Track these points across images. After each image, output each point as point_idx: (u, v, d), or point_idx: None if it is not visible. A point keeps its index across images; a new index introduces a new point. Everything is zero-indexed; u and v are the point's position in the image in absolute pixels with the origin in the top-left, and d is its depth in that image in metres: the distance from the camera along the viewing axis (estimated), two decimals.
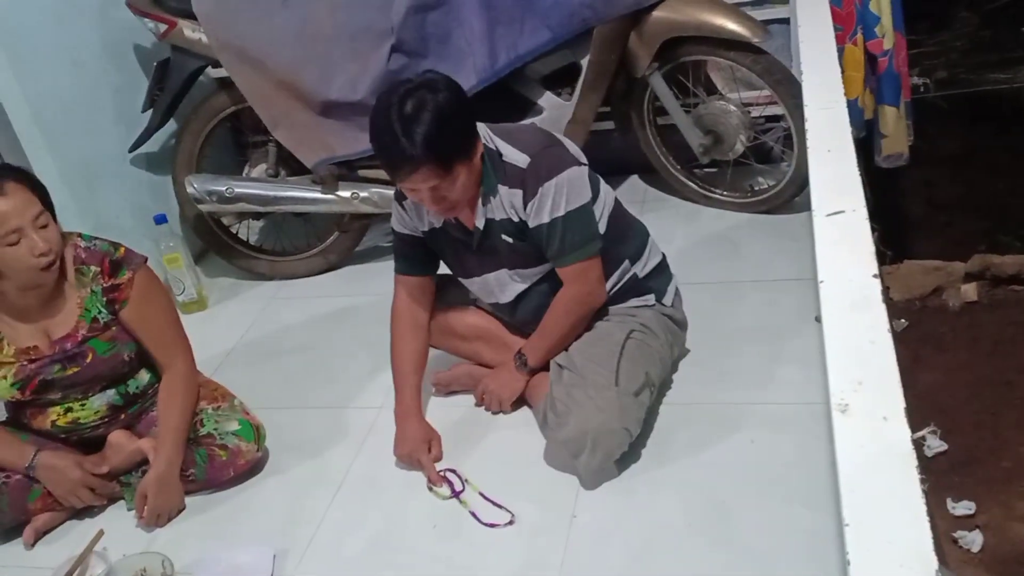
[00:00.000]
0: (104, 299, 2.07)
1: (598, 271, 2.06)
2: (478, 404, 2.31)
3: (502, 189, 1.98)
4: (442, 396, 2.40)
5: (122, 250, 2.11)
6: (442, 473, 2.11)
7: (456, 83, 1.89)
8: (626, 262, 2.15)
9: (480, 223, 2.02)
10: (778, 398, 2.15)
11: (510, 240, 2.04)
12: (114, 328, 2.08)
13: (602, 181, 2.13)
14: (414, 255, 2.19)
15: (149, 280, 2.13)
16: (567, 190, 1.94)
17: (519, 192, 1.97)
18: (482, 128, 1.98)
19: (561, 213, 1.95)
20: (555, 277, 2.08)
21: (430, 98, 1.80)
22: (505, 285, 2.14)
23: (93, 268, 2.06)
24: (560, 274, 2.05)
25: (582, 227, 1.98)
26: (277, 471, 2.27)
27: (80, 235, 2.11)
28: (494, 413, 2.28)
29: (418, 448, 2.13)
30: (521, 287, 2.13)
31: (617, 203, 2.16)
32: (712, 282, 2.64)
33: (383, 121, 1.82)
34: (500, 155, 1.97)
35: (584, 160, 2.04)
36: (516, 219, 2.00)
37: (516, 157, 1.97)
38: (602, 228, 2.07)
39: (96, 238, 2.11)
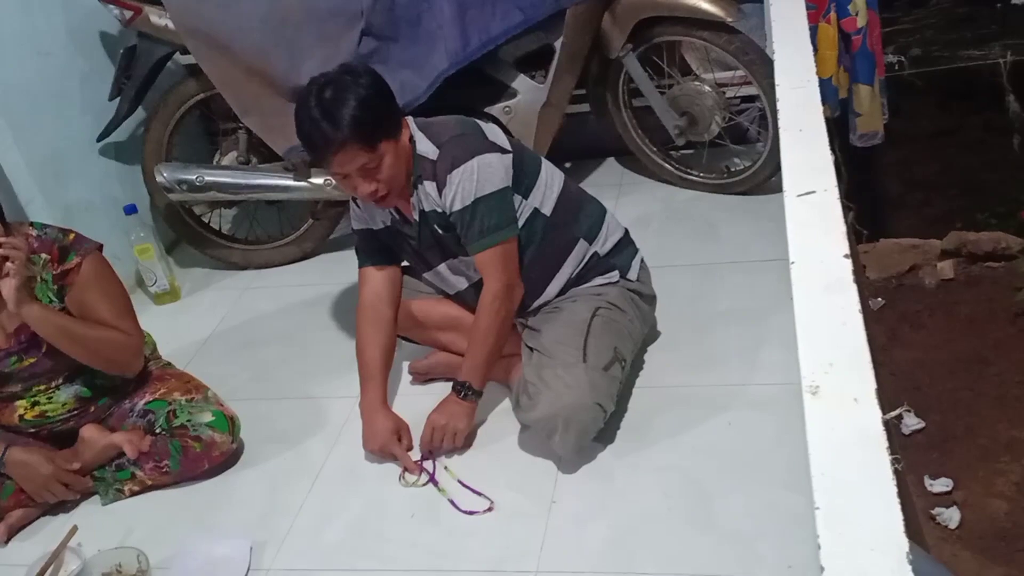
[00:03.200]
0: (55, 286, 2.03)
1: (513, 258, 2.02)
2: (427, 450, 2.10)
3: (425, 182, 2.00)
4: (419, 384, 2.39)
5: (71, 236, 2.07)
6: (418, 462, 2.10)
7: (374, 70, 1.95)
8: (581, 241, 2.14)
9: (416, 215, 2.04)
10: (757, 379, 2.15)
11: (441, 232, 2.05)
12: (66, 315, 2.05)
13: (545, 163, 2.13)
14: (374, 248, 2.19)
15: (97, 266, 2.08)
16: (477, 176, 1.93)
17: (434, 184, 1.98)
18: (408, 118, 2.01)
19: (471, 199, 1.94)
20: None
21: (349, 80, 1.87)
22: (459, 274, 2.15)
23: (43, 256, 2.02)
24: (476, 263, 2.02)
25: (495, 212, 1.96)
26: (254, 462, 2.24)
27: (32, 224, 2.07)
28: (448, 454, 2.11)
29: (388, 441, 2.11)
30: (474, 275, 2.12)
31: (566, 184, 2.15)
32: (690, 264, 2.64)
33: (303, 112, 1.87)
34: (415, 148, 1.99)
35: (506, 147, 2.02)
36: (440, 211, 2.01)
37: (427, 149, 1.99)
38: (546, 210, 2.08)
39: (47, 226, 2.08)
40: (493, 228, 1.96)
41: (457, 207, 1.96)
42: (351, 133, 1.84)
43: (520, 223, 2.05)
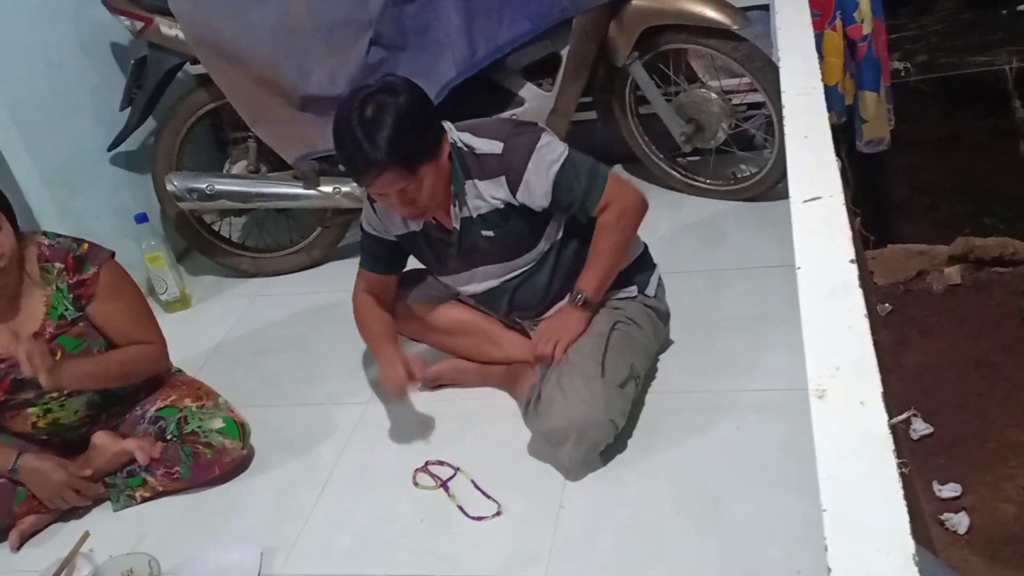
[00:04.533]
0: (71, 296, 2.05)
1: (621, 183, 2.02)
2: (537, 355, 2.08)
3: (479, 184, 1.98)
4: (428, 391, 2.39)
5: (85, 246, 2.09)
6: (433, 463, 2.11)
7: (416, 85, 1.90)
8: None
9: (456, 224, 2.03)
10: (765, 385, 2.15)
11: (491, 234, 2.03)
12: (82, 324, 2.07)
13: None
14: (381, 254, 2.20)
15: (115, 274, 2.11)
16: (548, 150, 1.94)
17: (502, 178, 1.96)
18: (448, 125, 1.99)
19: (558, 167, 1.94)
20: (541, 266, 2.10)
21: (390, 101, 1.81)
22: (491, 279, 2.14)
23: (57, 265, 2.05)
24: (597, 212, 1.99)
25: (583, 162, 1.97)
26: (263, 469, 2.26)
27: (44, 233, 2.10)
28: (545, 364, 2.07)
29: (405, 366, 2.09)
30: (505, 279, 2.13)
31: None
32: (697, 270, 2.64)
33: (344, 128, 1.82)
34: (473, 151, 1.97)
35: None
36: (503, 206, 1.99)
37: (490, 147, 1.97)
38: (583, 220, 2.06)
39: (59, 235, 2.10)
40: (593, 175, 1.96)
41: (550, 182, 1.94)
42: (391, 159, 1.80)
43: (559, 232, 2.06)
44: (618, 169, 3.30)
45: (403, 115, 1.80)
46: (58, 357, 2.04)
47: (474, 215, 2.01)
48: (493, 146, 1.96)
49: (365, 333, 2.24)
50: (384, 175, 1.83)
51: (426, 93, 1.92)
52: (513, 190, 1.97)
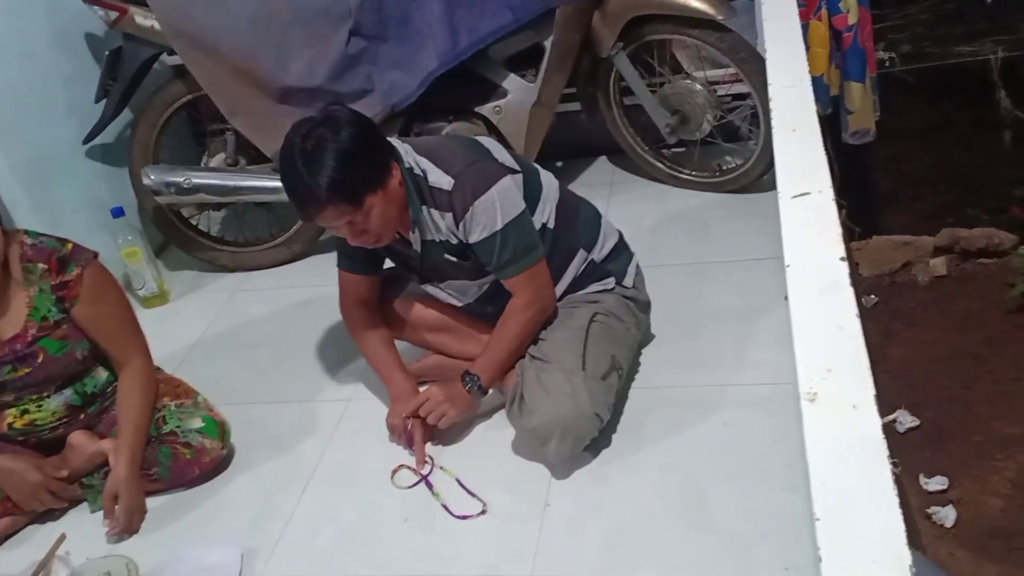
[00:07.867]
0: (54, 297, 2.01)
1: (544, 277, 2.03)
2: (413, 414, 2.09)
3: (433, 213, 1.96)
4: None
5: (69, 246, 2.05)
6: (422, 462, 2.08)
7: (360, 115, 1.89)
8: (581, 251, 2.13)
9: (417, 246, 2.02)
10: (751, 379, 2.14)
11: (453, 259, 2.03)
12: (65, 326, 2.03)
13: (543, 173, 2.11)
14: (357, 255, 2.16)
15: (99, 276, 2.07)
16: (498, 204, 1.91)
17: (449, 215, 1.95)
18: (405, 148, 1.97)
19: (498, 227, 1.92)
20: None
21: (330, 137, 1.80)
22: (461, 292, 2.13)
23: (40, 266, 2.00)
24: (506, 286, 2.03)
25: (520, 237, 1.95)
26: (245, 468, 2.22)
27: (26, 232, 2.05)
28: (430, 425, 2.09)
29: (415, 423, 2.10)
30: (475, 293, 2.12)
31: (563, 192, 2.14)
32: (682, 263, 2.63)
33: (288, 161, 1.82)
34: (425, 178, 1.95)
35: (515, 167, 2.00)
36: (455, 241, 1.99)
37: (441, 180, 1.94)
38: (551, 223, 2.06)
39: (42, 235, 2.05)
40: (523, 253, 1.96)
41: (481, 236, 1.93)
42: (331, 197, 1.80)
43: None
44: (602, 161, 3.29)
45: (343, 151, 1.79)
46: (40, 360, 2.01)
47: (436, 239, 2.00)
48: (444, 180, 1.94)
49: (370, 357, 2.24)
50: (326, 211, 1.83)
51: (371, 123, 1.91)
52: (458, 226, 1.96)
